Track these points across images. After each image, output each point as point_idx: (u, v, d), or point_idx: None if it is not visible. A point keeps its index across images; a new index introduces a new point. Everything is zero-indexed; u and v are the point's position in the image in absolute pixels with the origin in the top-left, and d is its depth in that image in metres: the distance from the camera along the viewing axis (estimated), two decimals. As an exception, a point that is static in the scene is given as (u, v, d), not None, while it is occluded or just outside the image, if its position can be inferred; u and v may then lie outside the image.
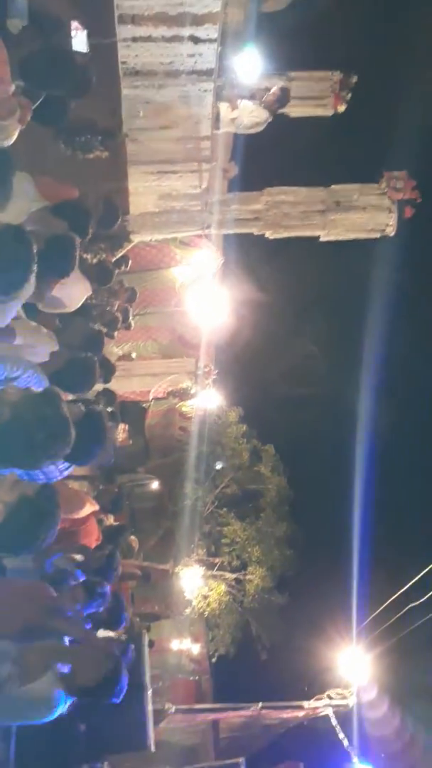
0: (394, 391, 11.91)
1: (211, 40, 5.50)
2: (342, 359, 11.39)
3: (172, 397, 8.95)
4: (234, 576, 9.93)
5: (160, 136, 6.09)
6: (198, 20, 5.40)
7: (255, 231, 6.46)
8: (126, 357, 8.67)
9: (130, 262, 6.46)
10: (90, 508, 4.50)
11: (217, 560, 9.90)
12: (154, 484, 9.21)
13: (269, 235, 6.43)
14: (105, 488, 5.61)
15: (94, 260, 6.24)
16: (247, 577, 9.87)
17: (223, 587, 9.74)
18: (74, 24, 3.93)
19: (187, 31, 5.43)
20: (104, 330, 6.31)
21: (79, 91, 3.52)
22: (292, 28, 6.98)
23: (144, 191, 6.41)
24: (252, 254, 8.06)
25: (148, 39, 5.43)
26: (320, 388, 11.49)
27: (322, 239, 6.45)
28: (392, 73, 8.29)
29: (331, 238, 6.42)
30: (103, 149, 5.58)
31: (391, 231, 6.36)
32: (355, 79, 7.21)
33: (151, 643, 6.66)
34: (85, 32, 3.94)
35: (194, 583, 9.59)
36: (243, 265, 9.14)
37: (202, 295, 8.82)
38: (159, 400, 9.12)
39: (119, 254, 6.74)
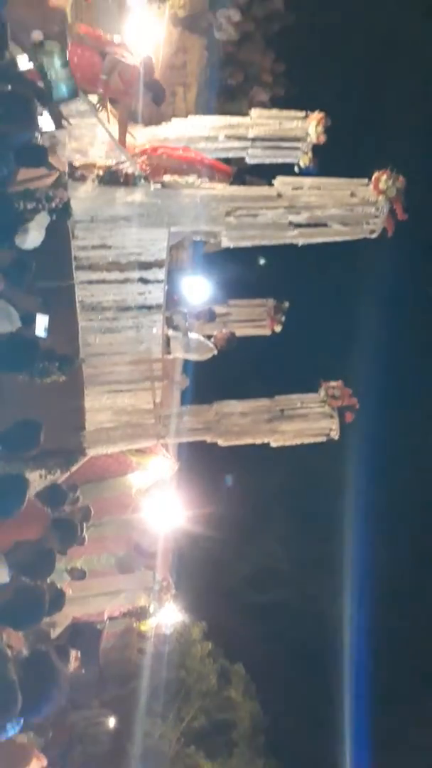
0: (369, 589, 11.57)
1: (158, 281, 6.24)
2: (307, 557, 11.21)
3: (129, 617, 8.40)
4: None
5: (115, 360, 6.56)
6: (146, 266, 6.19)
7: (208, 439, 6.72)
8: (77, 572, 8.25)
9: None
10: (37, 764, 3.97)
11: None
12: (111, 722, 8.18)
13: (221, 442, 6.70)
14: (54, 735, 4.98)
15: (47, 479, 6.27)
16: None
17: None
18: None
19: (136, 275, 6.19)
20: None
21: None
22: (231, 265, 8.04)
23: (100, 408, 6.70)
24: (207, 457, 8.30)
25: (103, 281, 6.12)
26: (287, 591, 11.08)
27: (272, 445, 6.76)
28: (318, 302, 9.47)
29: (280, 443, 6.73)
30: (61, 374, 5.95)
31: (335, 435, 6.75)
32: (286, 304, 8.23)
33: None
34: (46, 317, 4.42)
35: None
36: (199, 469, 9.32)
37: (159, 501, 8.81)
38: (114, 619, 8.54)
39: (74, 468, 6.82)
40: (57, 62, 4.89)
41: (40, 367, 5.71)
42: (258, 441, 6.73)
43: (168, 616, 9.04)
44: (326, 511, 11.16)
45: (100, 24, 6.97)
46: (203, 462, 8.81)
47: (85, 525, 6.47)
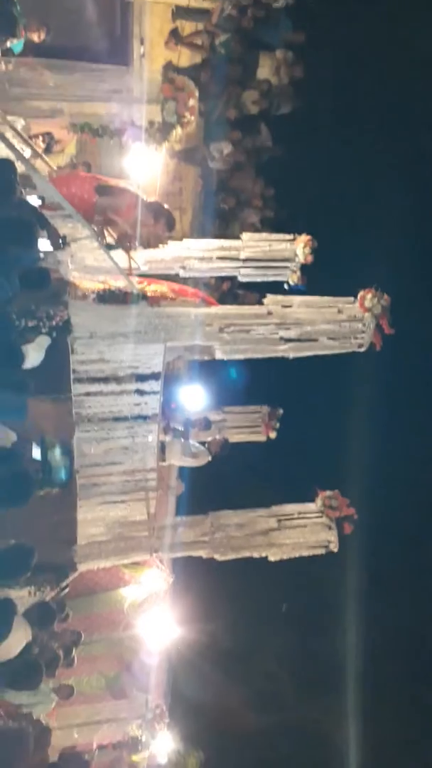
0: (374, 709, 10.83)
1: (154, 392, 6.35)
2: (309, 676, 10.58)
3: (120, 748, 7.79)
4: None
5: (109, 470, 6.52)
6: (143, 378, 6.34)
7: (204, 555, 6.56)
8: (65, 689, 7.72)
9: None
10: None
11: None
12: None
13: (218, 558, 6.53)
14: None
15: (36, 596, 6.03)
16: None
17: None
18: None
19: (133, 387, 6.31)
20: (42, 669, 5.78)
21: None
22: (225, 372, 8.23)
23: (92, 520, 6.58)
24: (203, 571, 8.05)
25: (99, 393, 6.23)
26: (289, 714, 10.35)
27: (270, 559, 6.60)
28: (313, 408, 9.61)
29: (279, 557, 6.57)
30: (55, 486, 5.90)
31: (334, 548, 6.61)
32: (281, 411, 8.36)
33: None
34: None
35: None
36: (194, 582, 9.01)
37: (153, 617, 8.45)
38: (104, 750, 7.91)
39: (64, 584, 6.58)
40: (57, 451, 5.36)
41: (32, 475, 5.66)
42: (256, 554, 6.57)
43: (162, 746, 8.38)
44: (329, 625, 10.68)
45: (102, 160, 7.62)
46: (200, 574, 8.53)
47: (74, 648, 6.17)
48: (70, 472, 5.37)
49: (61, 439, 5.57)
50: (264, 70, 8.69)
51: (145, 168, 7.12)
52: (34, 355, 4.76)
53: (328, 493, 6.80)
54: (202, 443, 7.35)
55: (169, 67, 7.27)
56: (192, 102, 6.89)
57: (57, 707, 6.92)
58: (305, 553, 6.64)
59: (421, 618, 10.69)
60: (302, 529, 6.66)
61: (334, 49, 8.77)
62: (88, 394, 6.18)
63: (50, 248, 5.49)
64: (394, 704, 11.00)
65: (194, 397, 8.03)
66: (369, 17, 8.61)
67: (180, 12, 8.08)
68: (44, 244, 5.42)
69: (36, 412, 5.25)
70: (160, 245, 6.67)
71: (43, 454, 5.26)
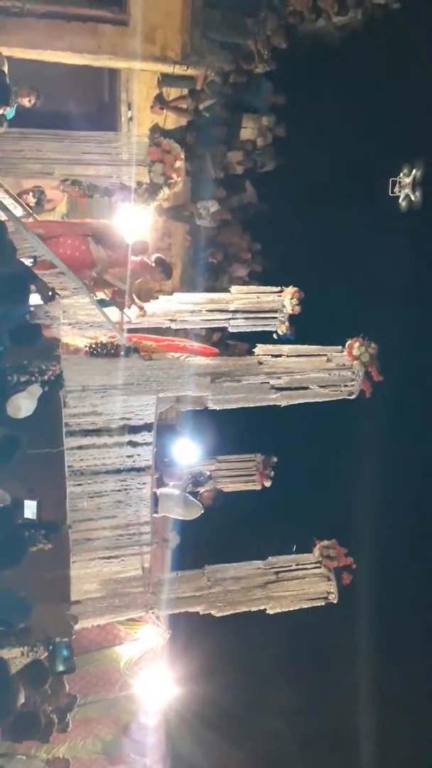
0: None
1: (147, 443, 6.35)
2: (316, 733, 10.17)
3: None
4: None
5: (103, 524, 6.44)
6: (135, 429, 6.34)
7: (200, 611, 6.42)
8: (59, 762, 7.39)
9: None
10: None
11: None
12: None
13: (215, 613, 6.40)
14: None
15: (29, 657, 5.86)
16: None
17: None
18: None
19: (126, 438, 6.31)
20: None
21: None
22: (217, 424, 8.25)
23: (85, 577, 6.45)
24: (201, 626, 7.84)
25: (92, 446, 6.21)
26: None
27: (268, 612, 6.47)
28: (307, 456, 9.61)
29: (277, 610, 6.44)
30: (47, 542, 5.81)
31: (333, 599, 6.49)
32: (275, 459, 8.35)
33: None
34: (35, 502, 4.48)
35: None
36: (192, 638, 8.76)
37: (149, 675, 8.20)
38: None
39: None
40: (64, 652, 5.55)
41: (26, 536, 5.59)
42: (254, 608, 6.44)
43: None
44: (333, 678, 10.34)
45: (93, 218, 7.83)
46: (197, 629, 8.31)
47: (69, 713, 5.96)
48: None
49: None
50: (247, 131, 9.07)
51: (135, 226, 7.33)
52: (26, 404, 4.77)
53: (325, 542, 6.74)
54: (194, 495, 7.30)
55: (155, 130, 7.57)
56: (178, 164, 7.16)
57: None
58: (304, 605, 6.53)
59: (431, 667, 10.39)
60: (300, 581, 6.57)
61: (314, 108, 9.18)
62: (80, 447, 6.18)
63: (40, 301, 5.55)
64: (408, 760, 10.55)
65: (187, 451, 8.04)
66: (345, 73, 9.06)
67: (166, 79, 8.47)
68: (34, 298, 5.50)
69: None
70: (152, 299, 6.80)
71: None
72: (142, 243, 6.57)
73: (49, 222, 6.81)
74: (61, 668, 5.57)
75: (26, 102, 7.06)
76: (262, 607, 6.45)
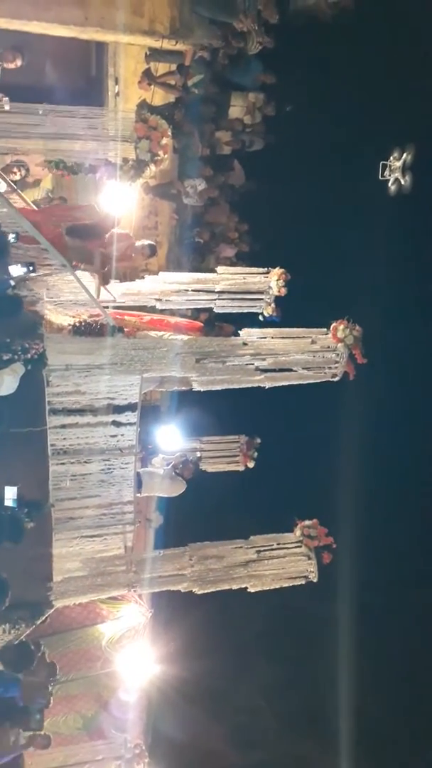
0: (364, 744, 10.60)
1: (131, 423, 6.34)
2: (294, 711, 10.36)
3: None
4: None
5: (86, 503, 6.45)
6: (119, 409, 6.33)
7: (182, 589, 6.48)
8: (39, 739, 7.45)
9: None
10: None
11: None
12: None
13: (197, 591, 6.46)
14: None
15: (10, 634, 5.89)
16: None
17: None
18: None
19: (109, 418, 6.29)
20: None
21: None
22: (201, 405, 8.26)
23: (67, 555, 6.47)
24: (183, 604, 7.92)
25: (75, 425, 6.19)
26: (274, 751, 10.10)
27: (250, 590, 6.54)
28: (291, 437, 9.67)
29: (258, 588, 6.52)
30: (29, 520, 5.81)
31: (313, 577, 6.58)
32: (259, 440, 8.40)
33: None
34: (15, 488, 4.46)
35: None
36: (174, 616, 8.86)
37: (131, 653, 8.28)
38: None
39: (39, 622, 6.42)
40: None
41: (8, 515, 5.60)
42: (235, 586, 6.51)
43: (142, 788, 8.13)
44: (313, 656, 10.52)
45: (78, 195, 7.73)
46: (179, 607, 8.40)
47: (50, 686, 6.01)
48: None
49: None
50: (236, 110, 8.96)
51: (120, 203, 7.24)
52: (8, 381, 4.74)
53: (306, 522, 6.81)
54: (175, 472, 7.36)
55: (142, 107, 7.44)
56: (165, 141, 7.06)
57: (32, 751, 6.70)
58: (285, 584, 6.61)
59: (410, 646, 10.61)
60: (281, 560, 6.64)
61: (303, 88, 9.08)
62: (63, 426, 6.15)
63: (21, 272, 5.42)
64: (386, 737, 10.80)
65: (171, 437, 8.07)
66: (336, 53, 8.95)
67: (154, 53, 8.31)
68: (15, 270, 5.39)
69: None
70: (137, 278, 6.74)
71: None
72: (124, 235, 6.42)
73: (25, 208, 6.65)
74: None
75: (11, 65, 6.89)
76: (243, 586, 6.52)
